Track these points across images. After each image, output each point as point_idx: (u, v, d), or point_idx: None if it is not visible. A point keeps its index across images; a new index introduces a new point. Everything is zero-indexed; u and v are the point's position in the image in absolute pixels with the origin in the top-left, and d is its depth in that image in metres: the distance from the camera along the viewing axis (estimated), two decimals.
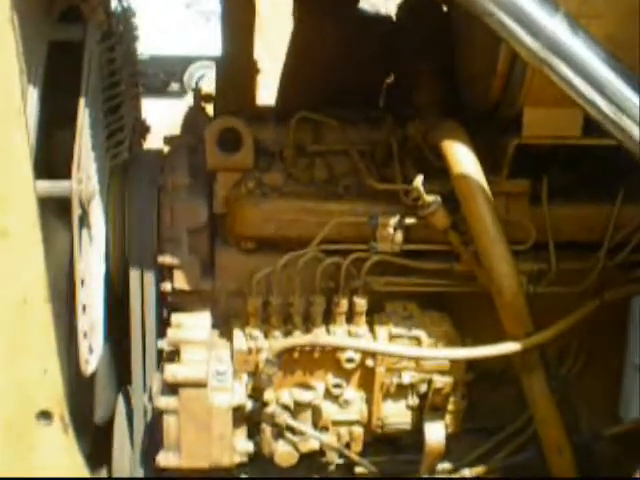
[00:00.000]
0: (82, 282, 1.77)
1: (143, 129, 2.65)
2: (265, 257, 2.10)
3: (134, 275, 2.12)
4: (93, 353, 1.87)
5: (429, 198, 1.91)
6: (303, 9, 2.50)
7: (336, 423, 2.07)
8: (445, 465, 2.14)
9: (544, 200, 2.02)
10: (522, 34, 1.50)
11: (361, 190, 2.11)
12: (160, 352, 2.08)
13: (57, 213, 1.86)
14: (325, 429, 2.06)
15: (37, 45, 1.76)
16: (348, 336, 2.00)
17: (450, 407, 2.07)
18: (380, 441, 2.15)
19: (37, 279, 1.69)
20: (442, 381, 1.99)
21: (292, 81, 2.53)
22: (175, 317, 2.07)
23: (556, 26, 1.49)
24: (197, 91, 2.54)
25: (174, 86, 13.65)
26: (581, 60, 1.52)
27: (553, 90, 1.70)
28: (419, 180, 1.92)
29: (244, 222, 2.09)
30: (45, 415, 1.74)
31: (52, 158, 1.83)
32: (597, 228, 2.06)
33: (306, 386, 2.02)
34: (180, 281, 2.12)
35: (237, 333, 2.04)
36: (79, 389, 2.04)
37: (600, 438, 2.09)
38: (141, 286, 2.13)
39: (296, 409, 2.01)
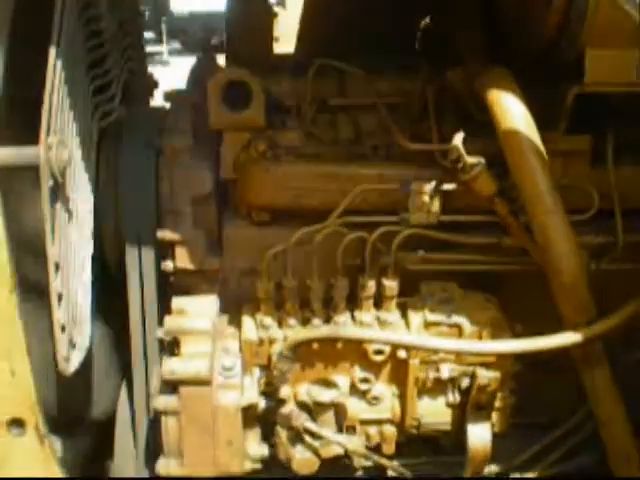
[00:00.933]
0: (57, 267, 1.48)
1: (150, 84, 2.35)
2: (281, 231, 1.80)
3: (131, 254, 1.84)
4: (76, 349, 1.59)
5: (471, 160, 1.59)
6: None
7: (364, 422, 1.79)
8: (492, 467, 1.85)
9: (609, 160, 1.69)
10: None
11: (392, 151, 1.80)
12: (161, 342, 1.81)
13: (33, 185, 1.58)
14: (352, 429, 1.78)
15: None
16: (377, 323, 1.70)
17: (497, 404, 1.77)
18: (416, 441, 1.86)
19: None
20: (487, 376, 1.68)
21: (312, 27, 2.20)
22: (176, 301, 1.79)
23: None
24: (206, 41, 2.25)
25: (214, 42, 13.35)
26: None
27: (621, 27, 1.38)
28: (459, 138, 1.60)
29: (255, 190, 1.79)
30: (17, 424, 1.49)
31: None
32: None
33: (327, 382, 1.72)
34: (183, 259, 1.83)
35: (247, 321, 1.75)
36: (74, 384, 1.78)
37: None
38: (139, 266, 1.85)
39: (316, 409, 1.72)
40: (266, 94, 1.81)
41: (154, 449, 1.86)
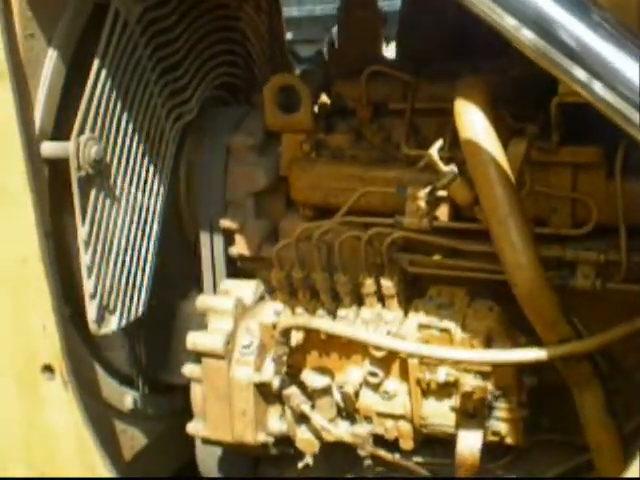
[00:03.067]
0: (86, 244, 1.77)
1: None
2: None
3: (204, 240, 2.09)
4: (114, 314, 1.87)
5: (445, 168, 1.60)
6: None
7: (380, 415, 1.86)
8: None
9: (617, 174, 1.59)
10: None
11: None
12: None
13: None
14: (368, 419, 1.87)
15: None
16: (376, 320, 1.78)
17: (504, 415, 1.75)
18: (431, 441, 1.89)
19: (34, 240, 1.74)
20: (471, 384, 1.68)
21: (409, 31, 2.26)
22: (224, 283, 2.00)
23: None
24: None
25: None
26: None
27: None
28: (437, 145, 1.62)
29: (295, 187, 1.95)
30: (48, 369, 1.80)
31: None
32: None
33: (323, 370, 1.83)
34: (241, 246, 2.04)
35: (266, 306, 1.91)
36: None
37: None
38: (211, 251, 2.09)
39: (313, 395, 1.84)
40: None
41: None
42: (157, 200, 2.00)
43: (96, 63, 1.77)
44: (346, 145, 1.95)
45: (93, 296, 1.82)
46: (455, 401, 1.76)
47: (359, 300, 1.83)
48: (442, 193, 1.69)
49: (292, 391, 1.84)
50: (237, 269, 2.11)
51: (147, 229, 1.98)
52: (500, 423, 1.75)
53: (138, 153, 1.92)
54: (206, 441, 1.96)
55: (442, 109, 1.79)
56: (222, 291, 1.99)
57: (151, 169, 1.97)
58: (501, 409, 1.74)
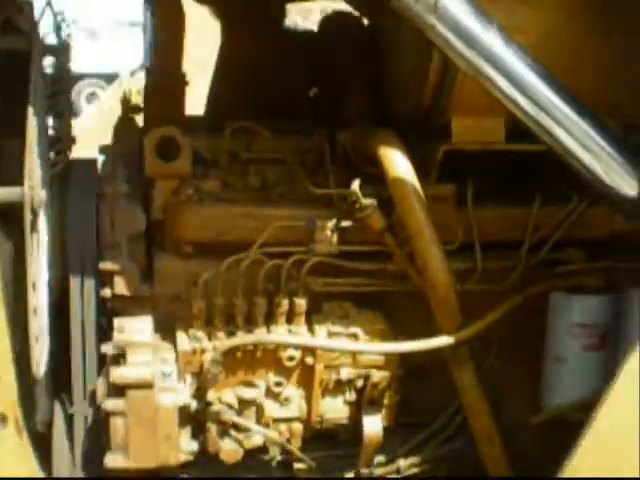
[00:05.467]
0: (33, 286, 1.79)
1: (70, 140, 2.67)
2: (202, 262, 2.16)
3: (74, 281, 2.15)
4: (42, 357, 1.89)
5: (366, 201, 2.02)
6: (229, 23, 2.59)
7: (277, 420, 2.15)
8: (380, 457, 2.25)
9: (469, 203, 2.16)
10: (460, 45, 1.63)
11: (294, 196, 2.21)
12: (102, 357, 2.11)
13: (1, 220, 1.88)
14: (267, 426, 2.14)
15: None
16: (289, 335, 2.09)
17: (385, 401, 2.18)
18: (318, 437, 2.23)
19: None
20: (379, 375, 2.09)
21: (220, 92, 2.60)
22: (118, 321, 2.11)
23: (491, 38, 1.64)
24: (126, 102, 2.59)
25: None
26: (509, 67, 1.67)
27: (479, 100, 1.86)
28: (356, 184, 2.03)
29: (184, 227, 2.15)
30: (1, 418, 1.76)
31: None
32: (518, 229, 2.20)
33: (249, 384, 2.08)
34: (121, 287, 2.15)
35: (180, 335, 2.09)
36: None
37: (525, 427, 2.23)
38: (81, 292, 2.16)
39: (240, 407, 2.07)
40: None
41: (92, 456, 2.15)
42: None
43: (31, 110, 1.82)
44: (217, 189, 2.22)
45: (37, 339, 1.83)
46: (349, 396, 2.15)
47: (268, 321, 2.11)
48: (345, 223, 2.09)
49: (219, 407, 2.04)
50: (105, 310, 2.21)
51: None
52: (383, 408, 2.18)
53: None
54: (123, 472, 2.03)
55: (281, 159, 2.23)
56: (118, 328, 2.09)
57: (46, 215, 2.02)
58: (385, 396, 2.17)
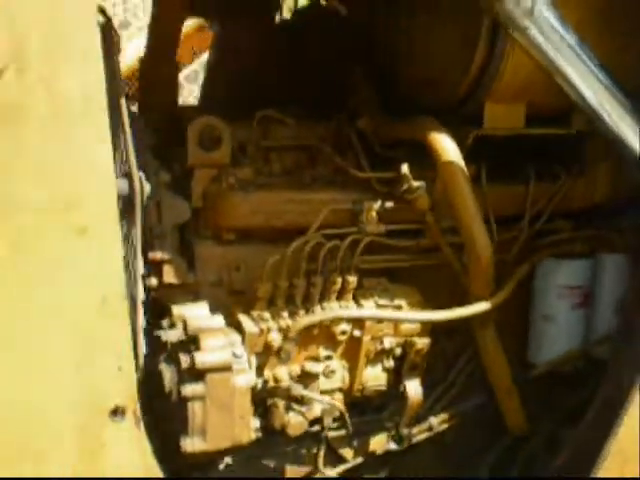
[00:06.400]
0: (143, 279, 1.81)
1: None
2: (243, 248, 2.25)
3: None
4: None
5: (417, 183, 2.19)
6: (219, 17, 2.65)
7: (323, 392, 2.28)
8: None
9: (483, 182, 2.39)
10: (547, 46, 1.85)
11: (327, 180, 2.34)
12: (163, 344, 2.13)
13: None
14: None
15: None
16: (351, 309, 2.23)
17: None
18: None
19: (116, 277, 1.72)
20: (422, 342, 2.28)
21: (214, 84, 2.66)
22: (176, 309, 2.14)
23: (569, 39, 1.87)
24: None
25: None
26: (582, 65, 1.92)
27: (512, 88, 2.09)
28: (406, 168, 2.20)
29: (230, 214, 2.22)
30: (118, 411, 1.77)
31: None
32: (516, 204, 2.47)
33: (316, 358, 2.21)
34: (170, 275, 2.19)
35: (243, 318, 2.16)
36: None
37: (528, 379, 2.52)
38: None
39: (306, 381, 2.19)
40: None
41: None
42: None
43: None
44: (251, 177, 2.29)
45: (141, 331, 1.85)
46: (387, 364, 2.32)
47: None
48: (388, 204, 2.25)
49: (288, 383, 2.15)
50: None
51: None
52: None
53: None
54: (199, 455, 2.08)
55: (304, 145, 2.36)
56: (176, 316, 2.12)
57: None
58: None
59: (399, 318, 2.22)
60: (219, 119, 2.21)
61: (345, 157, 2.37)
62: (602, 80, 1.93)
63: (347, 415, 2.28)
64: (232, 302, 2.24)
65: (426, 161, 2.25)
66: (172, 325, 2.12)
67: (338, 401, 2.31)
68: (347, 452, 2.42)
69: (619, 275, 2.53)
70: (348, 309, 2.20)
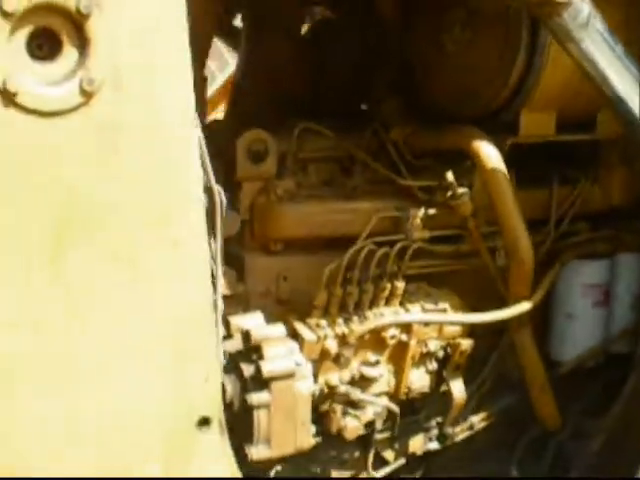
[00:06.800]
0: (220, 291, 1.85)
1: None
2: (289, 258, 2.30)
3: None
4: None
5: (461, 190, 2.27)
6: (252, 28, 2.69)
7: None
8: None
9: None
10: (598, 55, 1.96)
11: (365, 189, 2.40)
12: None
13: None
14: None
15: None
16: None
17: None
18: None
19: (205, 289, 1.75)
20: (467, 343, 2.36)
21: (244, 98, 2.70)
22: (233, 319, 2.17)
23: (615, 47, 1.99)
24: None
25: None
26: (619, 72, 2.02)
27: (546, 97, 2.20)
28: (451, 175, 2.27)
29: (278, 226, 2.26)
30: (205, 422, 1.80)
31: None
32: (540, 208, 2.57)
33: (370, 363, 2.26)
34: (223, 286, 2.22)
35: (300, 326, 2.20)
36: None
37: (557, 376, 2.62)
38: None
39: (362, 385, 2.25)
40: None
41: None
42: None
43: None
44: (293, 188, 2.34)
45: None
46: (430, 366, 2.39)
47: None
48: (430, 211, 2.32)
49: (346, 388, 2.20)
50: None
51: None
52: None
53: None
54: (264, 462, 2.11)
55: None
56: (234, 327, 2.15)
57: None
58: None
59: (452, 321, 2.29)
60: (265, 132, 2.25)
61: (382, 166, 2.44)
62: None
63: (399, 418, 2.35)
64: (279, 311, 2.28)
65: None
66: (228, 336, 2.16)
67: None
68: (389, 454, 2.48)
69: (636, 273, 2.66)
70: (409, 313, 2.27)
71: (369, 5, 2.62)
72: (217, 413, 1.82)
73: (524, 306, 2.35)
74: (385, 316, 2.24)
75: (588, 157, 2.64)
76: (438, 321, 2.28)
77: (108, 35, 1.56)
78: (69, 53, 1.56)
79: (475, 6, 2.31)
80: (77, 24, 1.54)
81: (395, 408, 2.31)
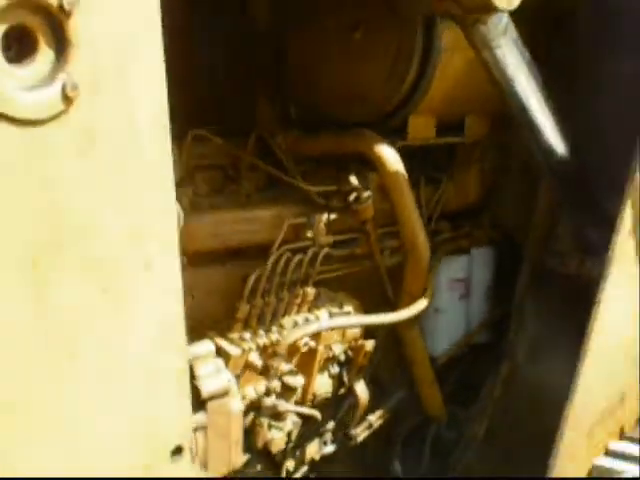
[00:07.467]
0: None
1: None
2: (199, 271, 2.19)
3: None
4: None
5: (366, 193, 2.29)
6: None
7: None
8: None
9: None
10: (510, 60, 2.08)
11: (256, 196, 2.35)
12: None
13: None
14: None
15: None
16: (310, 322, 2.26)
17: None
18: None
19: (177, 313, 1.64)
20: (370, 345, 2.39)
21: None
22: None
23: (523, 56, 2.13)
24: None
25: None
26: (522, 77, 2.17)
27: (433, 102, 2.32)
28: (355, 179, 2.29)
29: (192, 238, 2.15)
30: (178, 450, 1.68)
31: None
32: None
33: (289, 372, 2.21)
34: None
35: (221, 341, 2.10)
36: None
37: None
38: None
39: (285, 395, 2.20)
40: None
41: None
42: None
43: None
44: (191, 198, 2.23)
45: None
46: (332, 370, 2.39)
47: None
48: (332, 217, 2.31)
49: (272, 400, 2.13)
50: None
51: None
52: None
53: None
54: None
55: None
56: None
57: None
58: None
59: (364, 323, 2.32)
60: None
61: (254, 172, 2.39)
62: (541, 91, 2.21)
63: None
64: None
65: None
66: None
67: None
68: (290, 464, 2.45)
69: (488, 266, 2.85)
70: (334, 319, 2.26)
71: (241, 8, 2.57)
72: (187, 441, 1.70)
73: (422, 303, 2.43)
74: (311, 323, 2.21)
75: (445, 158, 2.78)
76: (355, 325, 2.30)
77: (89, 36, 1.41)
78: (44, 55, 1.38)
79: (364, 12, 2.35)
80: (57, 22, 1.37)
81: (318, 415, 2.29)
